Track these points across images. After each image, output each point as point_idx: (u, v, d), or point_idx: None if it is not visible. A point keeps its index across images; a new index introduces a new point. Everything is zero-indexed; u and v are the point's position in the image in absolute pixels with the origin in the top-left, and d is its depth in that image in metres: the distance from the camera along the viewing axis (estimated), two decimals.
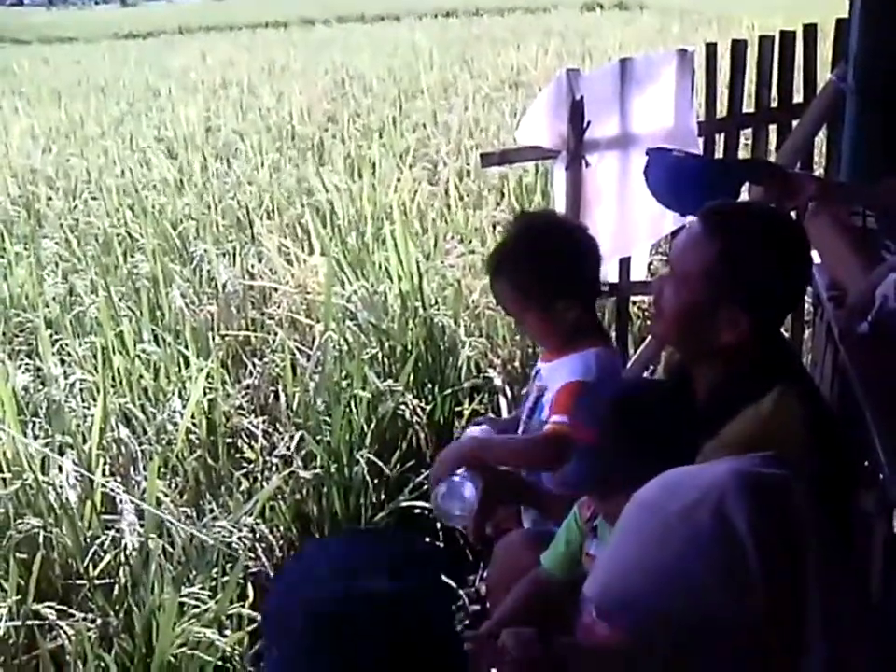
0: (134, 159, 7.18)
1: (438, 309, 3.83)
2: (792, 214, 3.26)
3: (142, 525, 2.47)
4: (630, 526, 1.10)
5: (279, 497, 2.89)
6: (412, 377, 3.37)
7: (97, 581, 2.40)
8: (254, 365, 3.51)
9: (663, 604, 1.03)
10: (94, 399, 3.06)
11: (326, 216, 5.10)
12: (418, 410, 3.22)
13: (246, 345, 3.77)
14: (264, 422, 3.19)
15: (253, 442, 3.08)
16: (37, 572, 2.30)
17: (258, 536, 2.69)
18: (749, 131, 3.35)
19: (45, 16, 38.53)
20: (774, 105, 3.30)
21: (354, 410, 3.14)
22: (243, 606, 2.39)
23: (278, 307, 3.96)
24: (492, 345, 3.82)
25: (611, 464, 1.52)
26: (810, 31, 3.23)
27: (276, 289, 4.11)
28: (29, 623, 2.24)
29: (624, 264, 3.24)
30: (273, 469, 2.97)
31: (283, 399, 3.28)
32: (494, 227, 4.86)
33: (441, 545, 2.86)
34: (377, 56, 13.69)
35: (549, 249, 2.04)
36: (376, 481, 3.02)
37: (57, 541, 2.50)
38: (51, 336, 3.58)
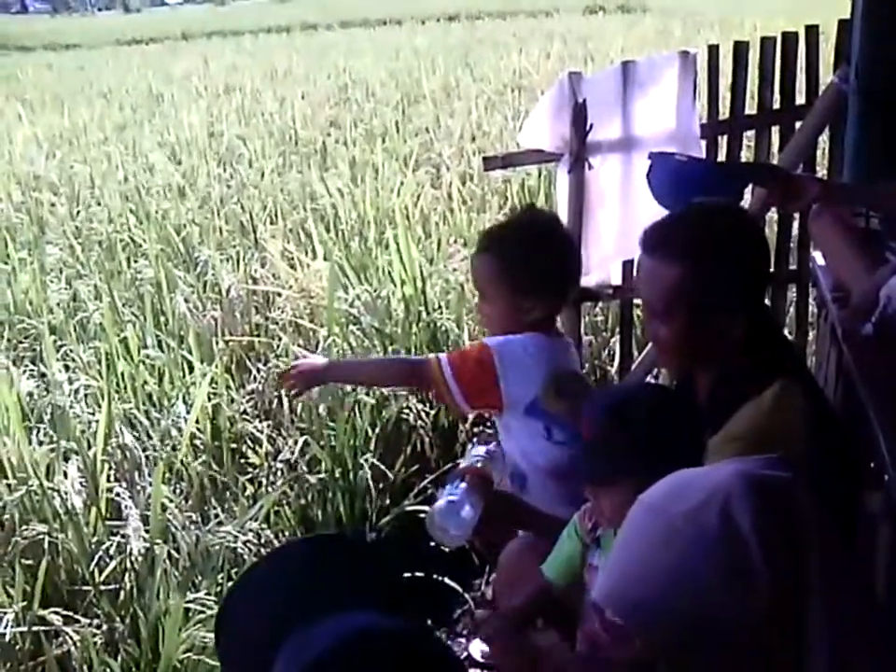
0: (137, 164, 7.20)
1: (441, 313, 3.84)
2: (796, 216, 3.28)
3: (147, 531, 2.47)
4: (636, 528, 1.11)
5: (284, 501, 2.89)
6: None
7: (103, 587, 2.39)
8: (258, 370, 3.51)
9: (668, 604, 1.03)
10: (99, 405, 3.06)
11: (329, 220, 5.10)
12: (422, 414, 3.23)
13: (250, 350, 3.77)
14: (269, 427, 3.19)
15: (258, 447, 3.09)
16: (43, 578, 2.30)
17: (263, 541, 2.69)
18: (751, 133, 3.35)
19: (49, 23, 38.69)
20: (776, 106, 3.29)
21: (358, 414, 3.14)
22: None
23: (282, 312, 3.97)
24: None
25: (602, 463, 1.52)
26: (812, 32, 3.23)
27: (280, 294, 4.12)
28: (35, 628, 2.24)
29: (628, 267, 3.24)
30: (278, 473, 2.98)
31: (287, 403, 3.29)
32: None
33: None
34: (380, 60, 13.71)
35: (542, 249, 2.06)
36: (381, 485, 3.02)
37: (62, 547, 2.50)
38: (55, 342, 3.58)
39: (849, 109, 2.90)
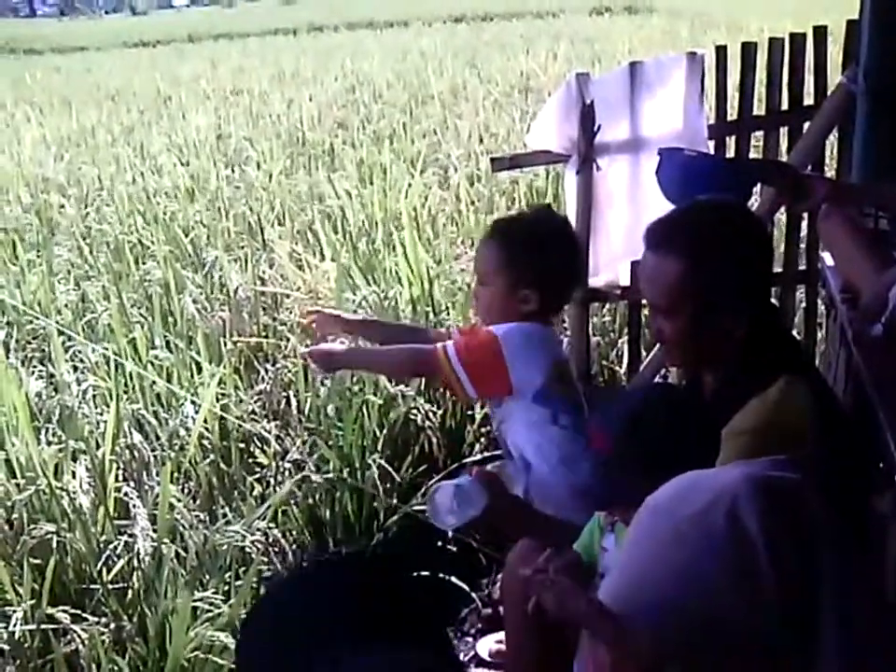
0: (146, 166, 7.21)
1: (448, 314, 3.84)
2: (805, 216, 3.28)
3: (155, 530, 2.47)
4: (644, 531, 1.10)
5: (292, 501, 2.90)
6: (423, 382, 3.37)
7: (111, 586, 2.40)
8: (266, 370, 3.52)
9: (676, 606, 1.03)
10: (107, 405, 3.07)
11: (337, 221, 5.11)
12: (430, 414, 3.22)
13: (258, 351, 3.77)
14: (277, 427, 3.19)
15: (265, 447, 3.09)
16: (51, 577, 2.30)
17: (271, 540, 2.69)
18: (759, 133, 3.34)
19: (56, 26, 38.83)
20: (784, 107, 3.29)
21: (366, 415, 3.14)
22: None
23: (290, 313, 3.97)
24: None
25: (625, 478, 1.53)
26: (820, 33, 3.22)
27: (288, 295, 4.12)
28: (44, 627, 2.25)
29: (636, 267, 3.23)
30: (286, 473, 2.98)
31: (295, 404, 3.29)
32: None
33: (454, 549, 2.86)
34: (387, 62, 13.72)
35: (547, 245, 2.07)
36: (388, 485, 3.02)
37: (71, 546, 2.50)
38: (64, 343, 3.59)
39: (858, 110, 2.89)
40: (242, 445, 3.11)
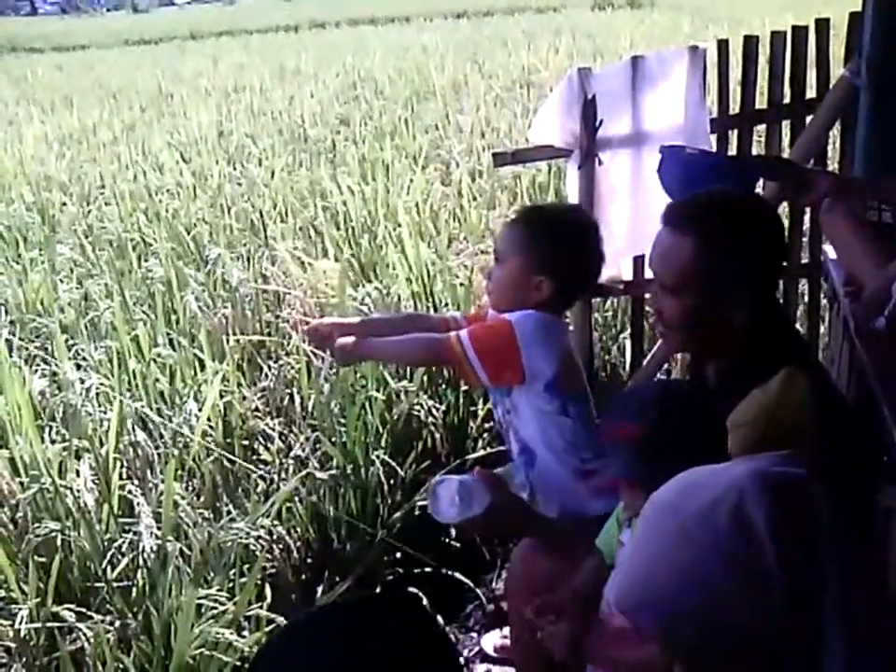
0: (147, 164, 7.21)
1: (449, 309, 3.83)
2: (807, 210, 3.27)
3: (159, 528, 2.47)
4: (649, 527, 1.10)
5: (296, 498, 2.90)
6: (426, 378, 3.37)
7: (115, 584, 2.40)
8: (269, 367, 3.52)
9: (682, 604, 1.02)
10: (110, 403, 3.07)
11: (339, 218, 5.11)
12: (433, 410, 3.22)
13: (261, 348, 3.78)
14: (280, 424, 3.19)
15: (269, 444, 3.09)
16: (56, 575, 2.31)
17: (275, 537, 2.70)
18: (762, 127, 3.33)
19: (58, 24, 38.79)
20: (787, 100, 3.28)
21: (369, 411, 3.14)
22: (261, 607, 2.39)
23: (292, 310, 3.97)
24: None
25: (654, 462, 1.52)
26: (823, 26, 3.22)
27: (290, 292, 4.12)
28: (49, 625, 2.26)
29: (639, 262, 3.23)
30: (290, 470, 2.98)
31: (298, 400, 3.29)
32: None
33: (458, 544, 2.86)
34: (388, 58, 13.71)
35: (570, 237, 2.08)
36: (392, 481, 3.02)
37: (75, 545, 2.51)
38: (67, 341, 3.59)
39: (860, 103, 2.88)
40: (245, 442, 3.12)
